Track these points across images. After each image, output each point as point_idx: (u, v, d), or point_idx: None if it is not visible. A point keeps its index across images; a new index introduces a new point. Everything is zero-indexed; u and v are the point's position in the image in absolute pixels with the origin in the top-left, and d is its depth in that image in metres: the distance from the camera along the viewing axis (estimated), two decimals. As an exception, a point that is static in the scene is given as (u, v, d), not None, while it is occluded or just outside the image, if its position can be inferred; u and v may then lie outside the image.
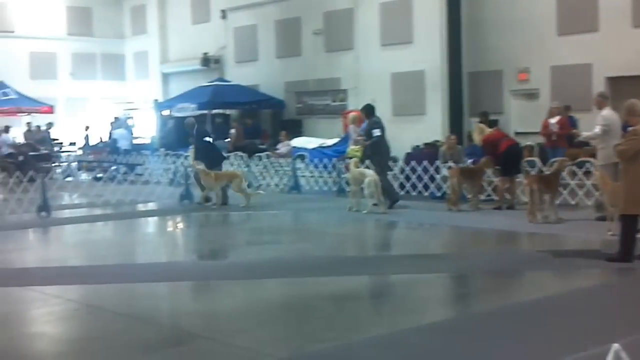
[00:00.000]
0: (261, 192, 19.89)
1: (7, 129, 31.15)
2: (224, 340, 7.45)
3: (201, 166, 18.28)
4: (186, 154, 25.69)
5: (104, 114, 39.28)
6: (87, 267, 11.95)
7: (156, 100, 35.81)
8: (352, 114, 20.79)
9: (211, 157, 18.85)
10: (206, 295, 9.79)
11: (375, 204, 16.66)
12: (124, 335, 7.74)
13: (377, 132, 17.34)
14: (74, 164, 30.00)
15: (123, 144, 30.23)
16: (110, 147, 30.49)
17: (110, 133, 32.42)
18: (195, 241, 15.09)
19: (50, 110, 35.73)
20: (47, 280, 10.61)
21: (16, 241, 15.03)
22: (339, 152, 22.85)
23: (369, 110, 18.06)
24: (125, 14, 42.74)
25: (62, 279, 10.79)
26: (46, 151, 30.72)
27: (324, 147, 24.75)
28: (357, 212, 16.87)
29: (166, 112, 33.15)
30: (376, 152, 17.52)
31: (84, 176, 28.33)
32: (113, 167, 25.67)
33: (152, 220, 18.06)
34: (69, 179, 26.92)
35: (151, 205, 19.67)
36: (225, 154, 23.92)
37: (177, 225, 17.26)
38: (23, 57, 39.43)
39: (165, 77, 40.05)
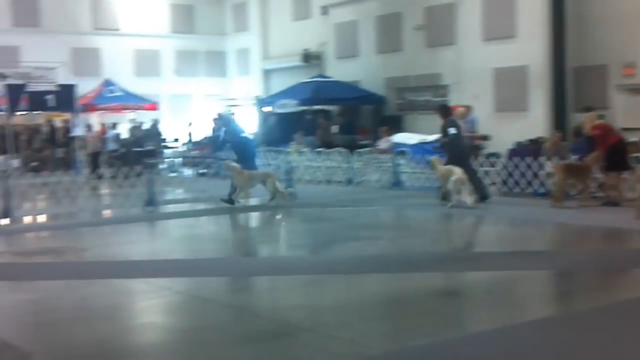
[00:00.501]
0: (292, 190, 19.46)
1: (114, 126, 32.07)
2: (328, 333, 7.56)
3: (235, 164, 18.33)
4: (287, 149, 26.02)
5: (206, 110, 40.02)
6: (192, 260, 12.24)
7: (258, 96, 36.28)
8: (459, 109, 20.94)
9: (245, 157, 18.87)
10: (308, 289, 9.90)
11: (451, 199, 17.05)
12: (231, 327, 7.94)
13: (452, 131, 17.89)
14: (178, 160, 30.67)
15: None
16: (214, 143, 30.96)
17: (213, 129, 32.97)
18: (297, 236, 15.23)
19: (154, 106, 36.54)
20: (155, 272, 10.96)
21: (124, 234, 15.52)
22: (440, 148, 22.74)
23: (444, 110, 18.78)
24: (227, 11, 43.34)
25: (169, 271, 11.11)
26: (152, 147, 31.48)
27: (425, 142, 24.63)
28: (452, 208, 16.88)
29: (267, 109, 33.53)
30: (452, 149, 17.96)
31: (188, 172, 28.92)
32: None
33: (254, 215, 18.32)
34: (173, 174, 27.59)
35: (253, 201, 19.92)
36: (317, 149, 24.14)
37: (279, 220, 17.48)
38: (128, 54, 40.42)
39: (266, 73, 40.47)
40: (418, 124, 29.62)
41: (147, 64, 40.98)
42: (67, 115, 32.46)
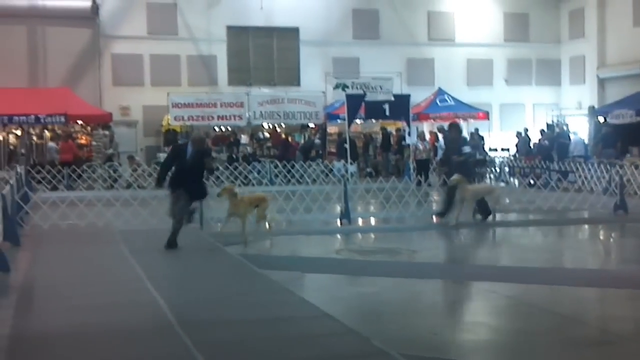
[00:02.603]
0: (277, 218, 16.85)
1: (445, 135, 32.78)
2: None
3: (233, 187, 15.93)
4: (621, 162, 25.11)
5: (536, 119, 39.71)
6: (518, 267, 12.50)
7: (592, 106, 35.40)
8: None
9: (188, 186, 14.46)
10: (636, 302, 9.83)
11: None
12: (556, 332, 8.18)
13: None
14: (506, 169, 30.77)
15: (577, 150, 29.89)
16: (543, 153, 30.66)
17: (540, 139, 32.69)
18: (627, 250, 14.91)
19: (485, 116, 36.82)
20: (481, 276, 11.46)
21: (452, 239, 16.21)
22: None
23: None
24: (563, 18, 42.46)
25: (494, 276, 11.52)
26: (481, 157, 31.85)
27: None
28: None
29: (601, 119, 32.64)
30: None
31: (517, 182, 28.95)
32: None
33: (583, 228, 18.07)
34: (502, 184, 27.79)
35: (583, 214, 19.64)
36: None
37: (609, 234, 17.07)
38: (461, 64, 41.15)
39: (602, 82, 39.30)
40: None
41: (478, 73, 41.39)
42: (400, 124, 33.74)
